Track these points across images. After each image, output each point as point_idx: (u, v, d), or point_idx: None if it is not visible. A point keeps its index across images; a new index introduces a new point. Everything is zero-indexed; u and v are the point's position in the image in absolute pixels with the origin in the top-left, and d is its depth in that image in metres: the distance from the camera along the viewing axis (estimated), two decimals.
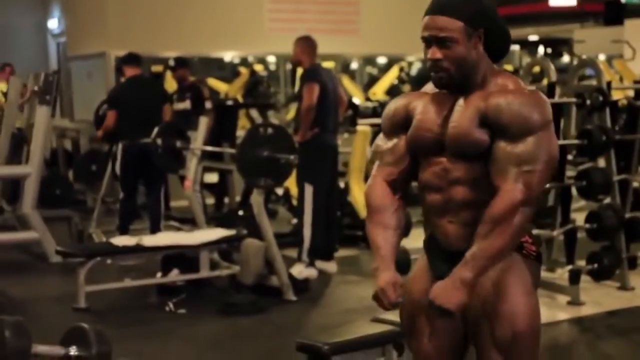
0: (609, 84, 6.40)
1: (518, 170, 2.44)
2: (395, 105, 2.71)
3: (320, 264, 6.97)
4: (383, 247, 2.64)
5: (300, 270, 6.72)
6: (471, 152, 2.51)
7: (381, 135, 2.75)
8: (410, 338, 2.74)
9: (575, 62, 7.98)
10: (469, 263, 2.44)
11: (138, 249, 6.18)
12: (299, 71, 8.02)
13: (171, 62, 9.35)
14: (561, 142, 6.35)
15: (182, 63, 9.24)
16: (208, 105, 8.70)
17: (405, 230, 2.80)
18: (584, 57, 6.50)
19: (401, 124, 2.66)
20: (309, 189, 6.82)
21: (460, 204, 2.55)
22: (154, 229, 7.47)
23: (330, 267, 7.05)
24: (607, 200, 6.31)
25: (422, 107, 2.62)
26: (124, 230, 7.42)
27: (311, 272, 6.82)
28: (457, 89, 2.56)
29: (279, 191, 9.55)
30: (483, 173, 2.51)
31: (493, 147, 2.48)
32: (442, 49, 2.50)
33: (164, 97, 7.91)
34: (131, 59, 7.81)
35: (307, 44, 7.00)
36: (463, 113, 2.52)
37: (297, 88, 8.76)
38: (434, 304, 2.46)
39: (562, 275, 6.12)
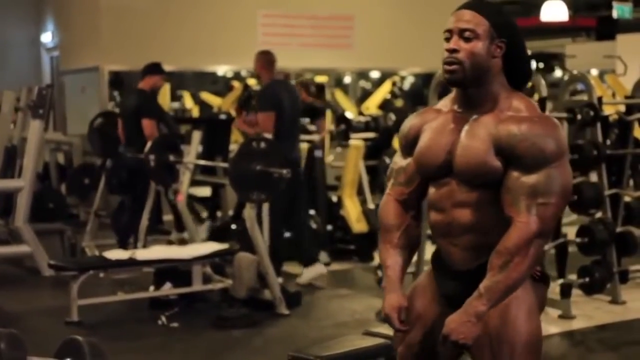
0: (600, 99, 6.44)
1: (532, 202, 2.41)
2: (410, 123, 2.69)
3: (307, 271, 7.00)
4: (391, 266, 2.64)
5: (305, 276, 6.93)
6: (482, 180, 2.49)
7: (399, 152, 2.74)
8: (399, 343, 2.74)
9: (566, 77, 8.00)
10: (483, 296, 2.41)
11: (131, 262, 6.17)
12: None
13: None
14: None
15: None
16: None
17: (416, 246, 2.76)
18: (576, 72, 6.52)
19: (414, 143, 2.64)
20: None
21: (462, 227, 2.53)
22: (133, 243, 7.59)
23: (319, 269, 7.05)
24: (599, 214, 6.34)
25: (431, 129, 2.60)
26: (122, 244, 7.57)
27: (317, 269, 6.99)
28: (468, 97, 2.53)
29: None
30: (488, 198, 2.49)
31: (506, 175, 2.45)
32: (461, 41, 2.49)
33: (138, 112, 7.61)
34: (145, 69, 7.84)
35: (265, 58, 7.04)
36: (473, 139, 2.48)
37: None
38: (449, 339, 2.43)
39: (553, 289, 6.13)
